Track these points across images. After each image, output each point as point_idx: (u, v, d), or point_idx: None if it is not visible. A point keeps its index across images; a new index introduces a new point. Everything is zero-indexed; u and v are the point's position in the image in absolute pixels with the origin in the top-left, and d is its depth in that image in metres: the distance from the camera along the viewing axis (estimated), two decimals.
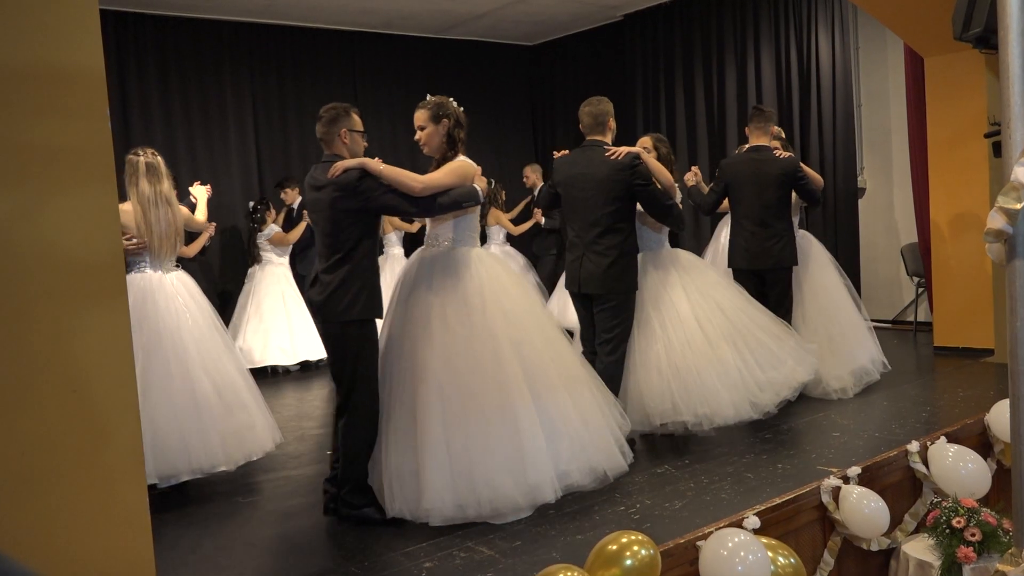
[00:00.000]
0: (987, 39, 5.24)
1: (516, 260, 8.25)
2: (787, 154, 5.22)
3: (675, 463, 4.09)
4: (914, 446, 3.92)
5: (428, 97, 3.79)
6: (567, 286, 4.46)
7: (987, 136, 5.73)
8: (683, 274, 4.56)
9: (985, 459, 3.97)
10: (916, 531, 3.79)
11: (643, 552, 2.73)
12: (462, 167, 3.63)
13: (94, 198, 2.04)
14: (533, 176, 8.51)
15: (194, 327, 4.17)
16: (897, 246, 7.59)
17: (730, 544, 2.94)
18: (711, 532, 3.08)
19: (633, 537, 2.79)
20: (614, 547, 2.74)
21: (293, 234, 7.38)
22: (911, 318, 7.47)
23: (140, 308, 4.04)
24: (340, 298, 3.45)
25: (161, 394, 3.94)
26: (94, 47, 2.04)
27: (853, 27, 7.71)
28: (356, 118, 3.65)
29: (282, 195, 7.70)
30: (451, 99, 3.79)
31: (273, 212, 7.48)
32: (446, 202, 3.52)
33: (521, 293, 3.75)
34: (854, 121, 7.67)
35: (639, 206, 4.33)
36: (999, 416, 4.14)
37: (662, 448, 4.40)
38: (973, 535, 3.35)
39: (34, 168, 1.96)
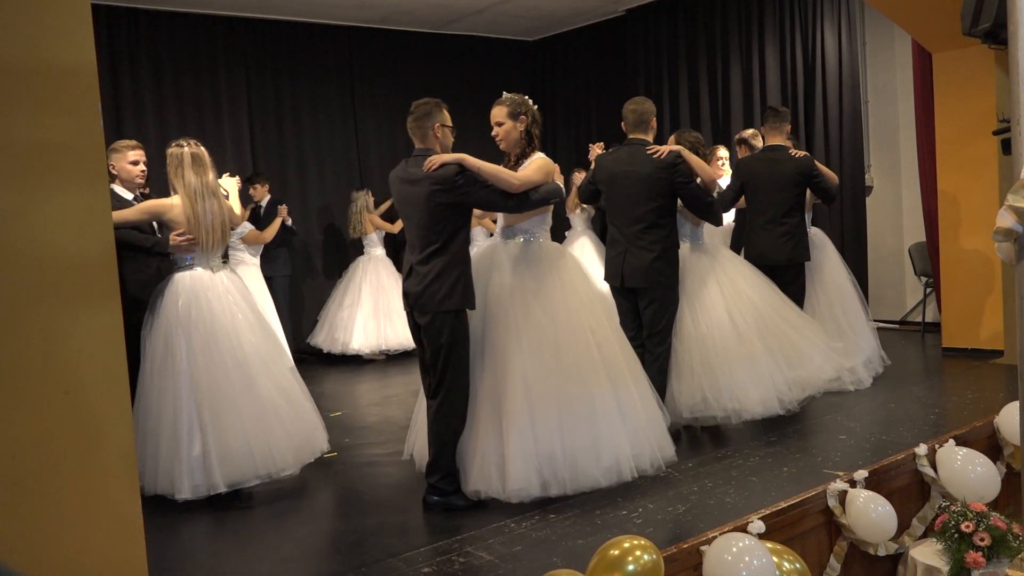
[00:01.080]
0: (996, 34, 5.25)
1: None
2: (802, 153, 5.41)
3: (678, 466, 4.09)
4: (922, 449, 3.92)
5: (505, 94, 4.01)
6: (608, 280, 4.59)
7: (996, 133, 5.73)
8: (719, 268, 4.74)
9: (994, 462, 3.97)
10: (924, 536, 3.79)
11: (646, 557, 2.73)
12: (547, 164, 3.82)
13: (86, 196, 2.04)
14: None
15: (249, 327, 4.09)
16: (904, 245, 7.60)
17: (734, 549, 2.94)
18: (715, 537, 3.08)
19: (635, 542, 2.79)
20: (616, 552, 2.74)
21: (268, 232, 7.16)
22: (919, 319, 7.47)
23: (191, 308, 3.96)
24: (437, 289, 3.62)
25: (224, 398, 3.89)
26: (86, 42, 2.04)
27: (860, 22, 7.72)
28: (447, 113, 3.83)
29: (251, 191, 7.43)
30: (527, 97, 4.04)
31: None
32: (537, 198, 3.74)
33: (592, 285, 4.02)
34: (861, 118, 7.68)
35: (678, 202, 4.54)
36: (1009, 418, 4.14)
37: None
38: (982, 540, 3.35)
39: (25, 166, 1.96)
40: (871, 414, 4.86)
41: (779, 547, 3.13)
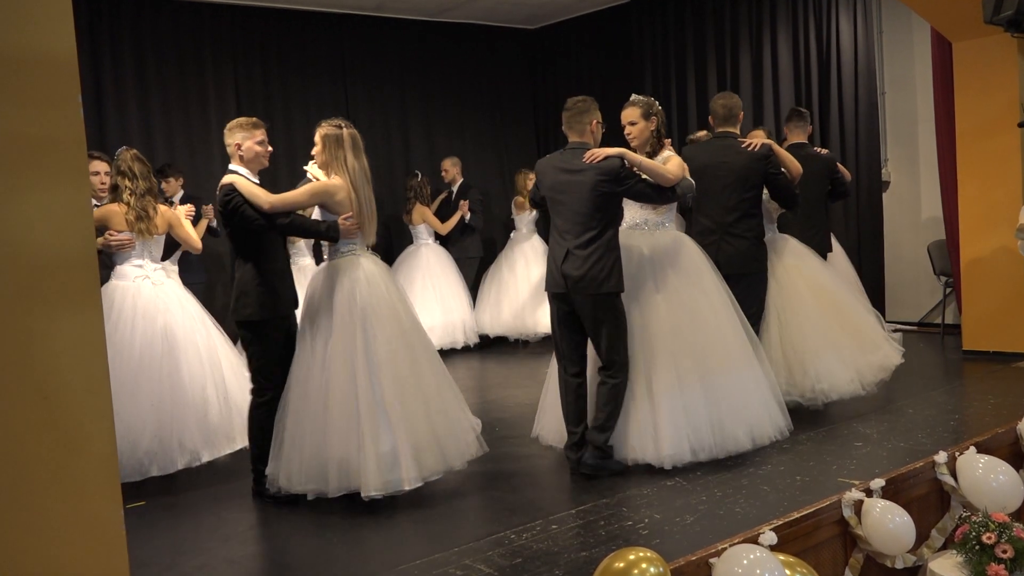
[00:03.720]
0: (1019, 22, 5.27)
1: (446, 262, 8.10)
2: (825, 151, 5.81)
3: (687, 475, 4.09)
4: (941, 457, 3.92)
5: (634, 96, 4.51)
6: None
7: (1020, 125, 5.74)
8: (796, 258, 5.19)
9: (1017, 470, 3.97)
10: (944, 547, 3.79)
11: (652, 570, 2.73)
12: (682, 161, 4.31)
13: (65, 192, 2.04)
14: (453, 170, 8.37)
15: (407, 317, 4.18)
16: (923, 244, 7.59)
17: (745, 561, 2.95)
18: (725, 548, 3.08)
19: (641, 554, 2.79)
20: (621, 564, 2.74)
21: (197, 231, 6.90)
22: (938, 320, 7.47)
23: (358, 297, 3.99)
24: (598, 273, 4.09)
25: (409, 389, 3.98)
26: (66, 31, 2.04)
27: (876, 10, 7.72)
28: (599, 111, 4.38)
29: (163, 184, 7.00)
30: (654, 99, 4.54)
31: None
32: (680, 192, 4.23)
33: (715, 271, 4.53)
34: (877, 110, 7.68)
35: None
36: None
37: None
38: (1004, 552, 3.35)
39: (1, 160, 1.96)
40: (888, 420, 4.86)
41: (792, 559, 3.13)
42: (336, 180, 4.11)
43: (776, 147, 5.00)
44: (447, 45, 9.24)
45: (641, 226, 4.46)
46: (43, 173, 2.01)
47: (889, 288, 7.76)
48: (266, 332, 4.14)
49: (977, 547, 3.41)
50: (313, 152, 4.23)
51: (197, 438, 4.48)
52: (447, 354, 7.54)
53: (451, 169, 8.38)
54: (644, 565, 2.73)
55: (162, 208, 4.76)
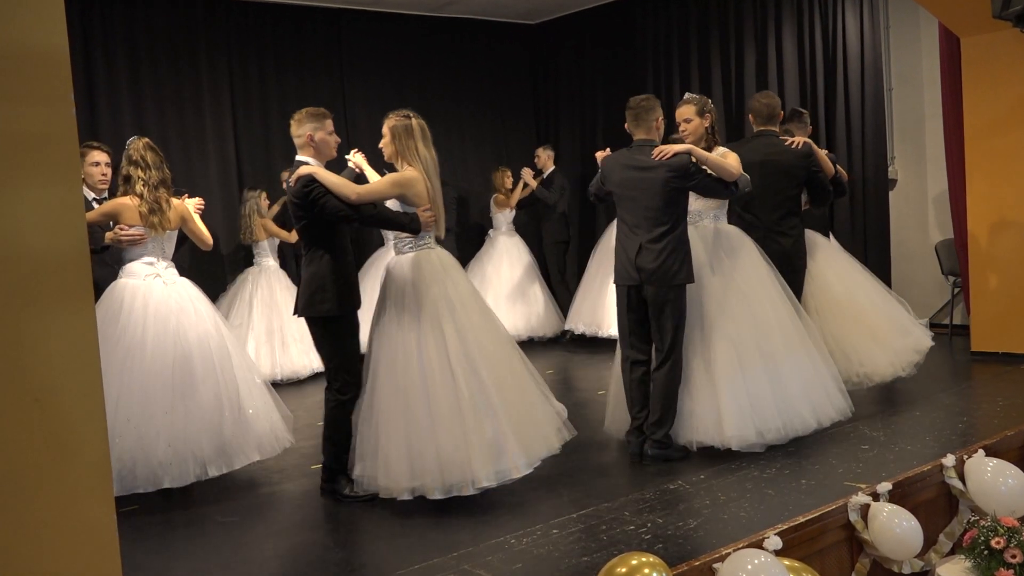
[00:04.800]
0: None
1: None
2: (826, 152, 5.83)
3: (689, 478, 4.09)
4: (949, 460, 3.92)
5: (688, 95, 4.74)
6: None
7: None
8: (821, 250, 5.46)
9: None
10: (952, 552, 3.79)
11: (655, 575, 2.73)
12: (737, 156, 4.53)
13: (57, 190, 2.04)
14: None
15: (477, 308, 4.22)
16: (931, 243, 7.59)
17: (749, 566, 2.95)
18: (728, 553, 3.08)
19: (644, 559, 2.79)
20: (623, 570, 2.75)
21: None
22: (946, 321, 7.47)
23: (435, 288, 4.04)
24: (670, 265, 4.35)
25: (503, 374, 4.02)
26: (57, 25, 2.03)
27: (883, 5, 7.71)
28: (661, 107, 4.60)
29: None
30: (707, 98, 4.77)
31: None
32: (740, 187, 4.46)
33: (766, 259, 4.79)
34: (884, 107, 7.67)
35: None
36: None
37: (676, 462, 4.40)
38: (1014, 557, 3.35)
39: None
40: (895, 423, 4.86)
41: (797, 564, 3.13)
42: (412, 171, 4.13)
43: (814, 145, 5.19)
44: (446, 40, 9.23)
45: (696, 218, 4.70)
46: (34, 171, 2.01)
47: (896, 288, 7.73)
48: (345, 327, 4.15)
49: (986, 552, 3.40)
50: (381, 144, 4.23)
51: (209, 450, 4.27)
52: None
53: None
54: (647, 571, 2.73)
55: (175, 201, 4.60)
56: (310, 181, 3.98)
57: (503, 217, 8.54)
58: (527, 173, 8.40)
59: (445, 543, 3.50)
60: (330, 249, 4.10)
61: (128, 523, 3.82)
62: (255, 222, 7.47)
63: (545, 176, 8.53)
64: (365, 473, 3.99)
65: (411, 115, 4.18)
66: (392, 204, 4.16)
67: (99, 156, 4.98)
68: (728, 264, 4.63)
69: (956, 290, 7.29)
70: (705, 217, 4.73)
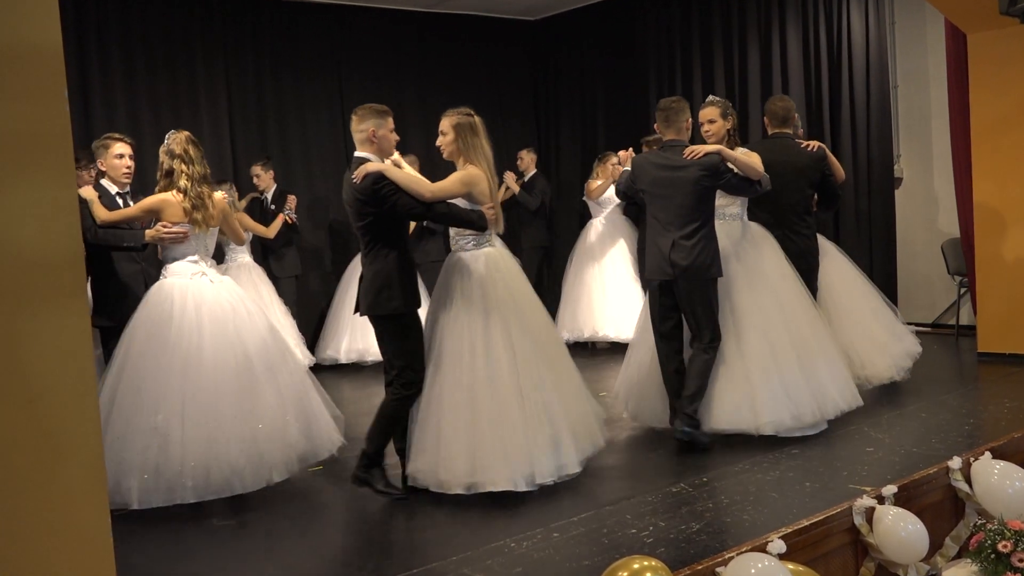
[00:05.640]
0: None
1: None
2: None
3: (692, 481, 4.09)
4: (956, 462, 3.92)
5: (712, 97, 5.03)
6: None
7: None
8: (826, 254, 5.64)
9: None
10: (958, 556, 3.79)
11: None
12: (758, 156, 4.78)
13: (51, 189, 2.04)
14: (413, 169, 8.25)
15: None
16: (937, 242, 7.59)
17: (753, 570, 2.95)
18: (732, 557, 3.08)
19: (646, 563, 2.79)
20: (625, 574, 2.75)
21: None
22: (953, 321, 7.47)
23: (489, 288, 4.13)
24: (703, 260, 4.58)
25: (555, 372, 4.16)
26: (51, 22, 2.04)
27: (888, 1, 7.71)
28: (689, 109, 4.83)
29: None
30: (729, 101, 5.03)
31: None
32: (764, 186, 4.72)
33: (784, 255, 5.05)
34: (890, 104, 7.67)
35: None
36: None
37: (678, 464, 4.40)
38: (1021, 561, 3.35)
39: None
40: (900, 425, 4.86)
41: (801, 568, 3.13)
42: (477, 169, 4.18)
43: (827, 149, 5.44)
44: (445, 37, 9.22)
45: (720, 216, 4.89)
46: (27, 169, 2.01)
47: (902, 288, 7.75)
48: (411, 323, 4.17)
49: (992, 556, 3.41)
50: (440, 143, 4.28)
51: (277, 455, 4.20)
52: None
53: (411, 168, 8.18)
54: (648, 575, 2.73)
55: (216, 196, 4.51)
56: (380, 178, 4.01)
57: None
58: (509, 177, 8.20)
59: (444, 546, 3.49)
60: (396, 246, 4.14)
61: (126, 526, 3.83)
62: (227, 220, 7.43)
63: (527, 179, 8.36)
64: (420, 467, 4.04)
65: (472, 112, 4.27)
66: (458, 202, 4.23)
67: (123, 148, 4.81)
68: (753, 257, 4.90)
69: (963, 290, 7.29)
70: (729, 215, 4.97)
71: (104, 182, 4.78)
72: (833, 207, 5.68)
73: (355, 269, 7.80)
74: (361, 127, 4.16)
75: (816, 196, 5.46)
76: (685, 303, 4.68)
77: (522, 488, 3.91)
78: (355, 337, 7.55)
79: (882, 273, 7.51)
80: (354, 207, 4.13)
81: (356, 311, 4.25)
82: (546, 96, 10.02)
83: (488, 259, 4.21)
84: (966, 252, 6.96)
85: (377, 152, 4.16)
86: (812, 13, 7.88)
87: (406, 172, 4.13)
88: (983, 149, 6.40)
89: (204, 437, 4.04)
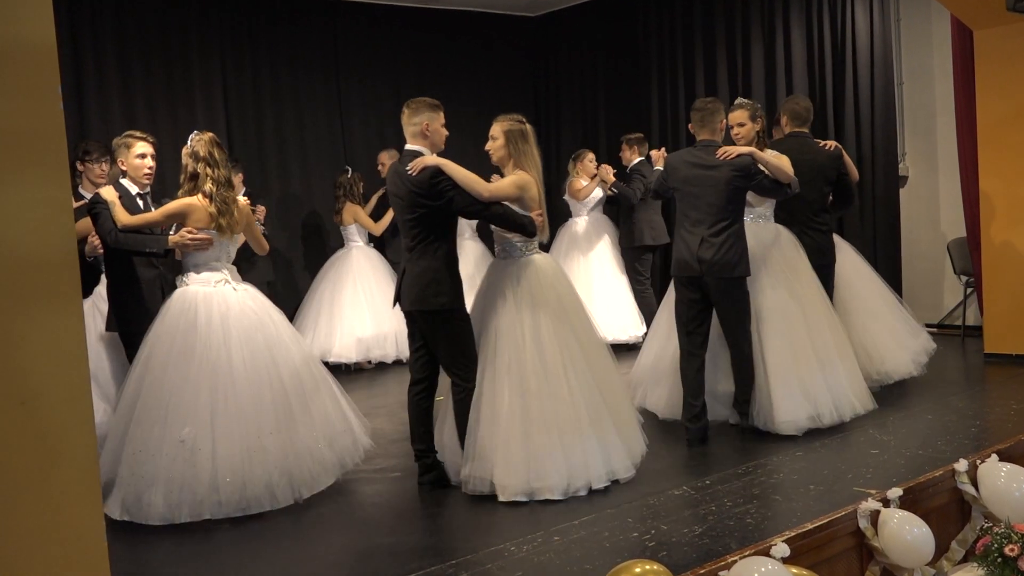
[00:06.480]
0: None
1: (379, 267, 7.81)
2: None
3: (695, 483, 4.09)
4: (962, 465, 3.92)
5: (740, 99, 5.26)
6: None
7: None
8: (842, 251, 5.77)
9: None
10: (964, 560, 3.79)
11: None
12: (787, 158, 4.97)
13: (45, 188, 2.04)
14: (390, 163, 8.08)
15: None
16: (943, 241, 7.59)
17: (756, 575, 2.94)
18: (735, 561, 3.08)
19: (648, 567, 2.79)
20: None
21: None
22: (958, 322, 7.47)
23: (548, 291, 4.23)
24: (730, 258, 4.72)
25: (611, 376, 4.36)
26: (44, 19, 2.04)
27: None
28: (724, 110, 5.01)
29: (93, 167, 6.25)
30: (758, 103, 5.28)
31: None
32: (792, 188, 4.87)
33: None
34: (894, 102, 7.67)
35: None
36: None
37: (680, 466, 4.40)
38: None
39: None
40: (906, 426, 4.86)
41: (805, 572, 3.13)
42: (527, 175, 4.25)
43: (843, 149, 5.63)
44: (444, 33, 9.21)
45: (747, 216, 5.06)
46: (20, 168, 2.01)
47: (907, 288, 7.75)
48: (461, 318, 4.21)
49: (999, 560, 3.40)
50: (489, 147, 4.33)
51: (313, 466, 4.16)
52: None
53: (388, 163, 7.93)
54: None
55: (241, 202, 4.42)
56: (439, 172, 4.06)
57: (467, 223, 8.24)
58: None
59: (442, 550, 3.50)
60: (445, 242, 4.18)
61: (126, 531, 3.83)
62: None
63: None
64: (474, 473, 4.07)
65: (523, 120, 4.36)
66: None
67: (145, 147, 4.68)
68: (777, 258, 5.08)
69: (969, 290, 7.28)
70: (755, 216, 5.16)
71: (124, 181, 4.67)
72: (848, 205, 5.86)
73: (329, 268, 7.85)
74: (415, 120, 4.20)
75: (831, 195, 5.59)
76: (716, 303, 4.83)
77: (581, 494, 3.99)
78: (319, 336, 7.53)
79: (887, 273, 7.48)
80: (406, 199, 4.15)
81: (395, 304, 4.30)
82: (546, 94, 10.02)
83: (537, 265, 4.29)
84: (972, 251, 6.96)
85: (429, 146, 4.21)
86: (816, 9, 7.88)
87: (463, 169, 4.16)
88: (989, 147, 6.40)
89: (239, 452, 3.95)
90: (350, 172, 7.91)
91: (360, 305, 7.58)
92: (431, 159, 4.11)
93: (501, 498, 3.96)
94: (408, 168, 4.09)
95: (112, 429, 4.11)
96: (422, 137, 4.19)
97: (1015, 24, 5.94)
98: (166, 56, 7.73)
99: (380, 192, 8.11)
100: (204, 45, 7.92)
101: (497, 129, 4.31)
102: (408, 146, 4.23)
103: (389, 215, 7.81)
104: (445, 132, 4.29)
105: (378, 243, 8.06)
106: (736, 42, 8.41)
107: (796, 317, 4.96)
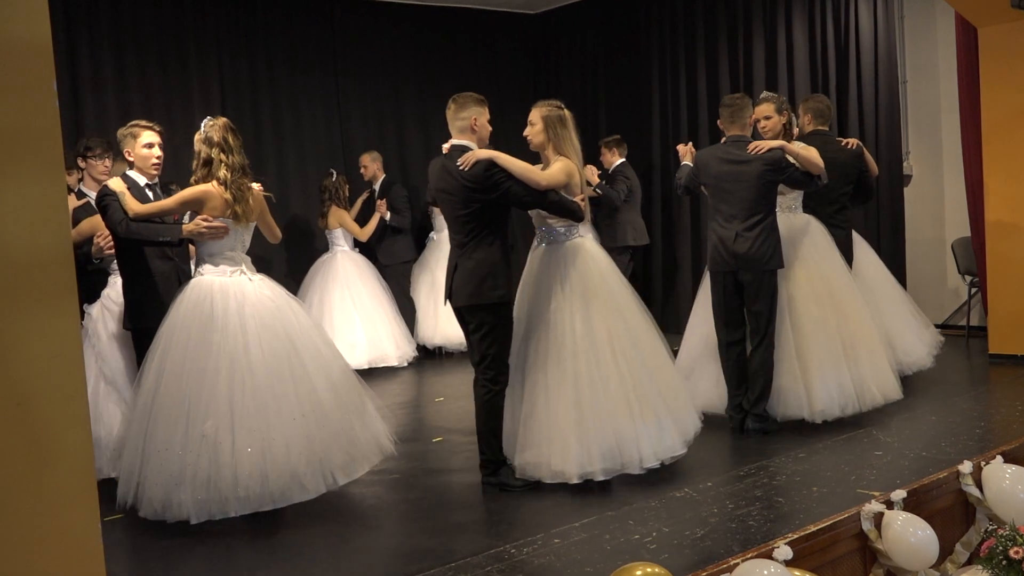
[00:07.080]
0: None
1: (365, 271, 7.78)
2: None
3: (697, 485, 4.09)
4: (966, 467, 3.92)
5: (767, 93, 5.41)
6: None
7: None
8: (858, 245, 5.92)
9: None
10: (968, 562, 3.79)
11: None
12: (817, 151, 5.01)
13: (40, 186, 2.04)
14: (373, 166, 8.05)
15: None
16: (947, 241, 7.59)
17: None
18: (737, 563, 3.08)
19: (649, 569, 2.79)
20: None
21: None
22: (963, 322, 7.47)
23: (582, 278, 4.26)
24: (765, 251, 4.85)
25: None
26: (40, 16, 2.03)
27: None
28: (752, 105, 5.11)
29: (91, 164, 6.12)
30: (784, 97, 5.61)
31: None
32: (822, 179, 4.92)
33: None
34: (898, 100, 7.67)
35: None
36: None
37: (681, 467, 4.40)
38: None
39: None
40: (910, 428, 4.86)
41: (808, 575, 3.13)
42: (570, 162, 4.26)
43: (864, 147, 5.79)
44: (444, 31, 9.21)
45: (778, 208, 5.13)
46: (15, 166, 2.01)
47: (911, 287, 7.73)
48: (509, 313, 4.24)
49: (1004, 562, 3.40)
50: (528, 133, 4.33)
51: (339, 457, 4.06)
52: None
53: (370, 165, 8.04)
54: None
55: (255, 189, 4.32)
56: (492, 164, 4.07)
57: (442, 221, 8.26)
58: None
59: (442, 552, 3.49)
60: (500, 235, 4.20)
61: (126, 531, 3.83)
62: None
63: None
64: (530, 460, 4.14)
65: (562, 105, 4.37)
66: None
67: (152, 136, 4.58)
68: (809, 250, 5.17)
69: (973, 290, 7.29)
70: (786, 208, 5.27)
71: (131, 173, 4.55)
72: (867, 201, 6.08)
73: (315, 274, 7.79)
74: (462, 115, 4.21)
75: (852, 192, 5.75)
76: (749, 295, 4.94)
77: (635, 471, 4.13)
78: None
79: (891, 272, 7.49)
80: (460, 195, 4.14)
81: (446, 301, 4.31)
82: (547, 91, 9.97)
83: (582, 249, 4.36)
84: (977, 251, 6.96)
85: (477, 141, 4.22)
86: (819, 6, 7.88)
87: (516, 159, 4.15)
88: (994, 145, 6.40)
89: (258, 444, 3.86)
90: (335, 175, 7.86)
91: (349, 311, 7.55)
92: (483, 152, 4.11)
93: (550, 481, 4.09)
94: (459, 163, 4.08)
95: (131, 427, 4.01)
96: (470, 132, 4.20)
97: (1019, 21, 5.94)
98: (163, 54, 7.72)
99: (364, 195, 8.12)
100: (201, 41, 7.91)
101: (536, 115, 4.32)
102: (455, 141, 4.21)
103: (375, 221, 7.84)
104: (490, 127, 4.31)
105: (363, 247, 8.02)
106: (738, 39, 8.41)
107: (827, 306, 5.06)
